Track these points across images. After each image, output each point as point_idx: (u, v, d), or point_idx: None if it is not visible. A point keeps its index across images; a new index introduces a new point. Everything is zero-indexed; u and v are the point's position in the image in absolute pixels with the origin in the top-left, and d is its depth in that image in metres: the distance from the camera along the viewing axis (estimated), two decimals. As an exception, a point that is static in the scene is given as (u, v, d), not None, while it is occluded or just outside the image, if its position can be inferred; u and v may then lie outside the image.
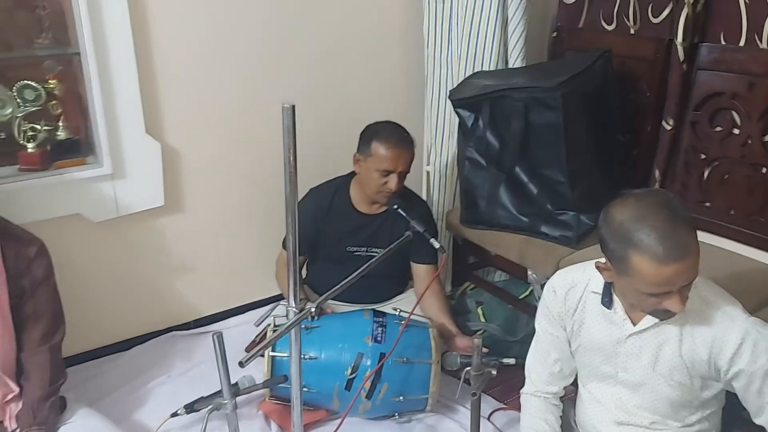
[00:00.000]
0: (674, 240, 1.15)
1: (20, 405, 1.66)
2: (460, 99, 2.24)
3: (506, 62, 2.47)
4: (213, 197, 2.42)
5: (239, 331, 2.37)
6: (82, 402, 1.81)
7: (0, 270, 1.58)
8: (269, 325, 1.99)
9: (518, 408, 1.65)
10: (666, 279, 1.16)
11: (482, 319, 2.37)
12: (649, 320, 1.32)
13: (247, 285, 2.57)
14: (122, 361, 2.28)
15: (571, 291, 1.43)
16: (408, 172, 2.10)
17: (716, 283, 1.34)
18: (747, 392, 1.30)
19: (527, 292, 2.37)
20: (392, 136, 2.07)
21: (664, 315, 1.25)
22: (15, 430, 1.65)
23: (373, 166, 2.07)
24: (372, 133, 2.10)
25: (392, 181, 2.05)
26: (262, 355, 1.91)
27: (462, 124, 2.29)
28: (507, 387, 2.10)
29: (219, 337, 1.60)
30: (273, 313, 2.05)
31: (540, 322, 1.53)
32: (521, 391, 1.61)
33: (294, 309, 1.44)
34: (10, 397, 1.66)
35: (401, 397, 1.89)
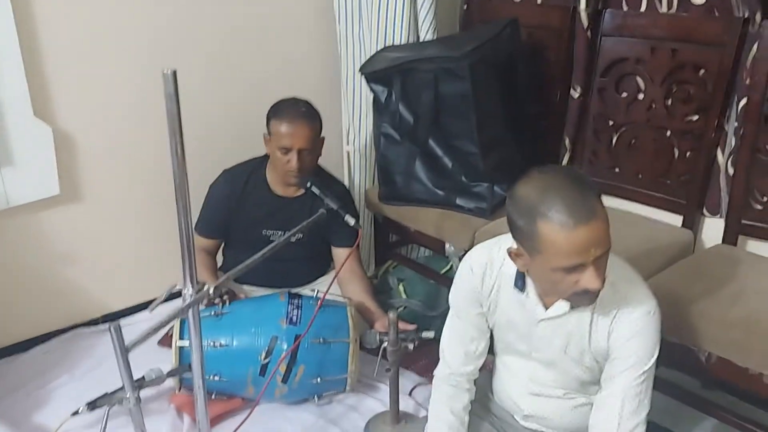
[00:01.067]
0: (580, 203, 1.12)
1: None
2: (371, 72, 2.20)
3: (417, 36, 2.43)
4: (115, 183, 2.28)
5: (150, 326, 2.24)
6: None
7: None
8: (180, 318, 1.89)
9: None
10: (577, 246, 1.12)
11: (403, 296, 2.35)
12: (560, 307, 1.29)
13: (157, 277, 2.41)
14: (20, 363, 2.13)
15: (488, 270, 1.39)
16: (311, 149, 2.01)
17: (627, 247, 1.33)
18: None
19: (448, 267, 2.35)
20: (288, 111, 1.99)
21: (583, 299, 1.22)
22: None
23: (274, 145, 2.00)
24: (272, 110, 2.03)
25: (293, 159, 1.97)
26: (170, 346, 1.82)
27: (376, 100, 2.25)
28: (429, 361, 2.05)
29: (117, 328, 1.50)
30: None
31: (456, 299, 1.48)
32: (434, 373, 1.54)
33: (190, 292, 1.36)
34: None
35: (319, 379, 1.83)
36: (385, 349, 1.77)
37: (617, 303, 1.27)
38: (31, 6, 1.96)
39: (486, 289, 1.40)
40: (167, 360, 1.82)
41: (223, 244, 2.27)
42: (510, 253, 1.26)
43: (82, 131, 2.16)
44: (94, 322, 2.34)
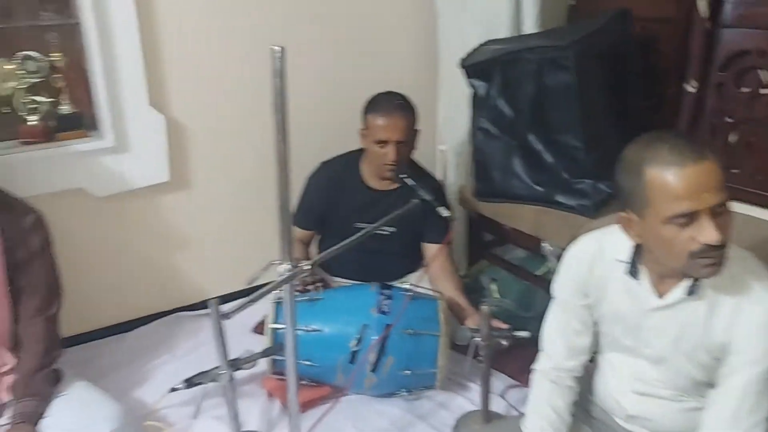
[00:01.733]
0: (689, 146, 1.08)
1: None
2: (471, 65, 2.17)
3: (521, 30, 2.37)
4: (222, 172, 2.37)
5: (247, 312, 2.28)
6: (80, 376, 1.76)
7: None
8: (274, 302, 1.92)
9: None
10: (687, 187, 1.06)
11: (496, 296, 2.28)
12: (676, 295, 1.21)
13: (258, 265, 2.49)
14: (124, 342, 2.24)
15: (598, 258, 1.33)
16: (407, 141, 2.02)
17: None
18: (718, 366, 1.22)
19: (544, 268, 2.26)
20: (384, 104, 2.01)
21: (703, 264, 1.11)
22: (10, 401, 1.61)
23: (371, 138, 2.02)
24: (368, 104, 2.05)
25: (390, 152, 1.98)
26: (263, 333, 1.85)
27: (475, 94, 2.20)
28: (522, 364, 1.97)
29: (216, 304, 1.55)
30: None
31: (561, 291, 1.41)
32: (534, 366, 1.47)
33: (287, 265, 1.38)
34: (5, 369, 1.63)
35: (408, 371, 1.81)
36: (476, 345, 1.72)
37: (738, 295, 1.17)
38: (152, 2, 2.08)
39: (594, 279, 1.33)
40: (262, 347, 1.86)
41: (318, 238, 2.29)
42: (621, 220, 1.20)
43: (194, 121, 2.26)
44: (195, 307, 2.42)
